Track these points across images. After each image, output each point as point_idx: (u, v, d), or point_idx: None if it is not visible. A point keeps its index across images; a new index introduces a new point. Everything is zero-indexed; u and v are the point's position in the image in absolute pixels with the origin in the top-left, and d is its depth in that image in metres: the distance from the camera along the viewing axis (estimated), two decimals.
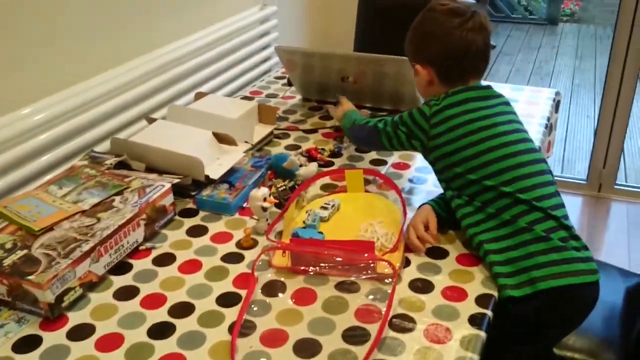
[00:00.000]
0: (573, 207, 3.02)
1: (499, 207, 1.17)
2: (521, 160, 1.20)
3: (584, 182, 3.11)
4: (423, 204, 1.30)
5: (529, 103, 1.94)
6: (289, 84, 2.06)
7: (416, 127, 1.28)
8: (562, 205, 1.20)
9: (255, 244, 1.26)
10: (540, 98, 1.98)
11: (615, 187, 3.09)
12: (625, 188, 3.11)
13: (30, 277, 1.04)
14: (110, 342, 1.01)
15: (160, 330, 1.03)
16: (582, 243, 1.16)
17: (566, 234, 1.15)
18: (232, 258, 1.22)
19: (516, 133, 1.24)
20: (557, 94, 2.01)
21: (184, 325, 1.04)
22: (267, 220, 1.29)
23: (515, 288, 1.10)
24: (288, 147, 1.67)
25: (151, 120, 1.60)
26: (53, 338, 1.02)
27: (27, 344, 1.02)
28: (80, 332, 1.04)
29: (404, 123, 1.31)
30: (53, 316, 1.05)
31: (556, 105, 1.99)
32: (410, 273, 1.16)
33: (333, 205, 1.35)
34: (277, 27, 2.46)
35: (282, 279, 1.15)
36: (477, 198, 1.20)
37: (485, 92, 1.29)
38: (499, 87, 1.39)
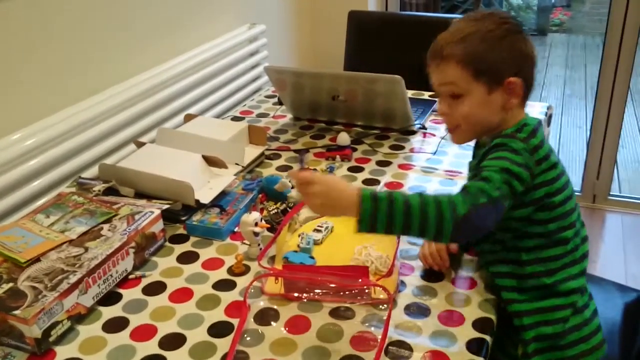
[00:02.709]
0: None
1: (555, 271, 1.11)
2: (575, 206, 1.15)
3: (578, 193, 3.10)
4: None
5: None
6: (280, 103, 2.04)
7: (526, 169, 1.03)
8: None
9: (247, 270, 1.23)
10: (532, 113, 1.96)
11: (610, 197, 3.08)
12: (620, 199, 3.10)
13: (15, 312, 1.01)
14: None
15: None
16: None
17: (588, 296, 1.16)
18: (224, 285, 1.19)
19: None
20: (549, 107, 2.00)
21: (175, 358, 1.02)
22: (259, 245, 1.27)
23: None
24: (279, 169, 1.65)
25: (140, 145, 1.58)
26: None
27: None
28: None
29: (513, 173, 1.01)
30: (40, 352, 1.03)
31: (548, 119, 1.98)
32: (406, 297, 1.14)
33: (326, 228, 1.33)
34: (266, 45, 2.45)
35: (275, 307, 1.12)
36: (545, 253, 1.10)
37: None
38: None
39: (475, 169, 1.08)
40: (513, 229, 1.10)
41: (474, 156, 1.21)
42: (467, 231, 0.97)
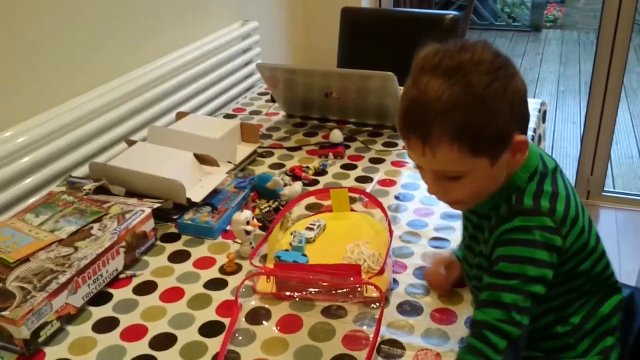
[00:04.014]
0: None
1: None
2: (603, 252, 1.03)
3: None
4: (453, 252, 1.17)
5: None
6: (272, 100, 2.03)
7: (551, 267, 0.89)
8: None
9: (239, 269, 1.22)
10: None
11: (604, 193, 3.08)
12: (614, 195, 3.10)
13: (4, 313, 1.00)
14: None
15: None
16: None
17: None
18: (215, 285, 1.18)
19: None
20: (542, 104, 2.00)
21: (165, 358, 1.01)
22: (250, 244, 1.26)
23: None
24: (272, 166, 1.64)
25: (131, 143, 1.57)
26: None
27: None
28: None
29: (538, 279, 0.87)
30: (29, 353, 1.02)
31: (542, 116, 1.98)
32: (399, 295, 1.13)
33: (319, 226, 1.32)
34: (259, 42, 2.44)
35: (267, 306, 1.11)
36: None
37: None
38: None
39: (479, 253, 0.97)
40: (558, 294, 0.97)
41: (465, 217, 1.06)
42: None
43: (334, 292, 1.12)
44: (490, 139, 0.84)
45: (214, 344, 1.03)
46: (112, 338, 1.06)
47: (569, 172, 3.16)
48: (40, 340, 1.03)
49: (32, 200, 1.44)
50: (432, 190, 0.93)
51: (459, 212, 1.10)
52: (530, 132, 1.79)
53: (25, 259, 1.13)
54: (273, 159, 1.68)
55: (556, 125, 4.27)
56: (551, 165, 0.95)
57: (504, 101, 0.83)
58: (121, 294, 1.17)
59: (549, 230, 0.87)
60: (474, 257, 1.01)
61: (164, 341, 1.04)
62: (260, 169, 1.62)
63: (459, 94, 0.81)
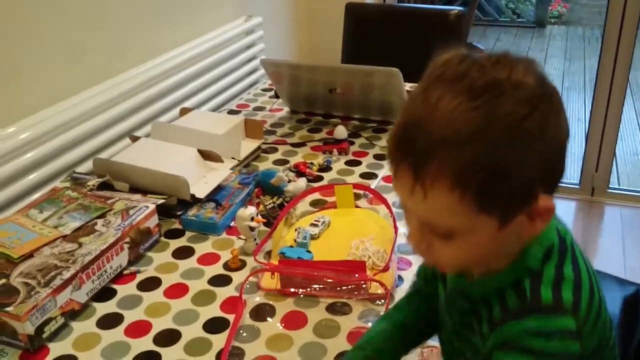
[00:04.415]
0: (566, 212, 3.00)
1: None
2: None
3: (577, 186, 3.09)
4: None
5: None
6: (276, 96, 2.02)
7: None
8: None
9: (243, 265, 1.22)
10: None
11: (609, 191, 3.07)
12: (618, 192, 3.09)
13: (8, 309, 1.00)
14: None
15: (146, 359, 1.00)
16: None
17: None
18: (220, 281, 1.18)
19: None
20: None
21: (170, 354, 1.01)
22: (255, 240, 1.26)
23: None
24: (276, 162, 1.63)
25: (135, 139, 1.57)
26: None
27: None
28: None
29: None
30: (33, 348, 1.01)
31: None
32: (403, 292, 1.12)
33: (323, 222, 1.32)
34: (262, 38, 2.43)
35: (271, 302, 1.11)
36: None
37: None
38: None
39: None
40: None
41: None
42: None
43: (338, 288, 1.11)
44: (507, 193, 0.62)
45: (219, 340, 1.02)
46: (117, 334, 1.06)
47: (574, 169, 3.15)
48: (44, 336, 1.03)
49: (36, 196, 1.44)
50: (413, 240, 0.71)
51: None
52: None
53: (30, 255, 1.13)
54: (277, 155, 1.68)
55: None
56: (567, 235, 0.73)
57: (539, 144, 0.61)
58: (125, 290, 1.17)
59: (569, 334, 0.66)
60: (459, 341, 0.80)
61: (168, 337, 1.04)
62: (264, 165, 1.62)
63: (480, 122, 0.59)
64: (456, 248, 0.66)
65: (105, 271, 1.16)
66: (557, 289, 0.67)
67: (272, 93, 2.10)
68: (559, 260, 0.69)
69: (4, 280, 1.07)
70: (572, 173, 3.17)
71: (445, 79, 0.63)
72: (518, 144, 0.60)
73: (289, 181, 1.45)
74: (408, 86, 1.71)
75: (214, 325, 1.06)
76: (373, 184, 1.50)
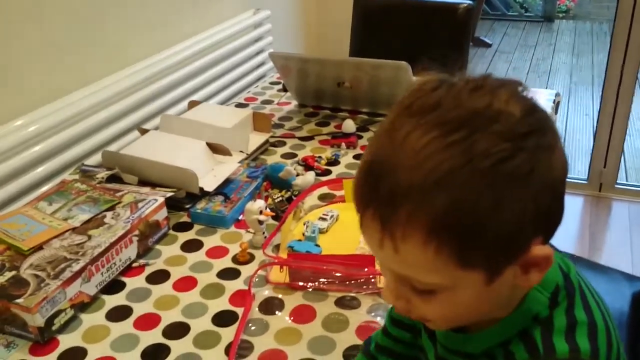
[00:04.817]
0: (574, 207, 2.99)
1: None
2: None
3: (584, 182, 3.08)
4: None
5: None
6: (284, 89, 2.02)
7: None
8: None
9: (251, 258, 1.22)
10: (539, 100, 1.94)
11: (616, 186, 3.05)
12: (626, 187, 3.07)
13: (18, 300, 1.00)
14: None
15: (155, 353, 1.00)
16: None
17: None
18: (228, 274, 1.18)
19: None
20: (557, 95, 1.98)
21: (178, 347, 1.01)
22: (263, 233, 1.26)
23: None
24: (284, 156, 1.63)
25: (143, 131, 1.56)
26: None
27: None
28: (72, 356, 1.00)
29: None
30: (43, 340, 1.02)
31: (556, 107, 1.96)
32: None
33: (332, 216, 1.31)
34: (271, 31, 2.43)
35: (280, 296, 1.11)
36: None
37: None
38: None
39: None
40: None
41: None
42: None
43: (347, 282, 1.11)
44: (491, 245, 0.53)
45: (228, 334, 1.03)
46: (126, 326, 1.06)
47: (582, 164, 3.14)
48: (54, 328, 1.03)
49: (45, 188, 1.44)
50: (389, 295, 0.62)
51: None
52: None
53: (39, 247, 1.13)
54: (285, 149, 1.67)
55: (569, 118, 4.24)
56: (571, 270, 0.65)
57: (525, 190, 0.52)
58: (134, 282, 1.17)
59: None
60: None
61: (177, 330, 1.04)
62: (272, 159, 1.61)
63: (453, 164, 0.50)
64: (439, 305, 0.57)
65: (115, 264, 1.16)
66: (572, 337, 0.59)
67: (280, 86, 2.10)
68: (568, 304, 0.61)
69: (13, 273, 1.07)
70: (580, 169, 3.16)
71: (414, 110, 0.54)
72: (500, 189, 0.51)
73: (297, 175, 1.45)
74: (416, 80, 1.70)
75: (223, 319, 1.06)
76: None
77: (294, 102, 1.98)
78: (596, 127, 3.01)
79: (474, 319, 0.62)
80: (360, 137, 1.71)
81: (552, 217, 0.57)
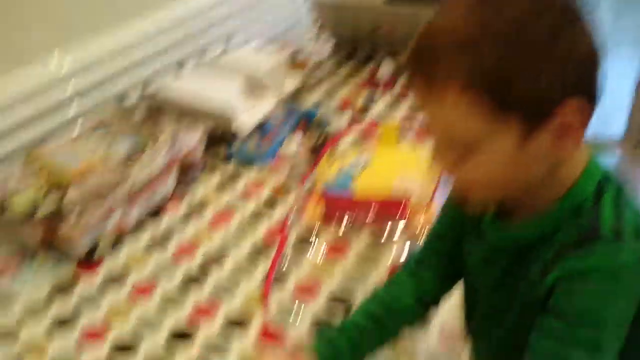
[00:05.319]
0: (609, 164, 2.94)
1: None
2: None
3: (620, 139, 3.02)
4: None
5: None
6: (321, 33, 2.00)
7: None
8: None
9: (287, 195, 1.24)
10: None
11: None
12: None
13: (63, 230, 1.04)
14: (143, 290, 1.02)
15: (193, 280, 1.03)
16: None
17: None
18: (264, 210, 1.20)
19: None
20: None
21: (216, 275, 1.04)
22: (299, 172, 1.27)
23: None
24: (320, 98, 1.63)
25: (182, 70, 1.57)
26: (88, 285, 1.04)
27: (63, 289, 1.03)
28: (114, 281, 1.04)
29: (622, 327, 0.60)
30: (87, 265, 1.06)
31: None
32: None
33: (366, 159, 1.32)
34: None
35: (315, 231, 1.13)
36: None
37: None
38: None
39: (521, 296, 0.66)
40: None
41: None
42: None
43: (380, 222, 1.13)
44: (522, 96, 0.58)
45: (263, 265, 1.06)
46: (165, 255, 1.09)
47: (618, 123, 3.07)
48: (96, 254, 1.07)
49: (86, 123, 1.46)
50: (436, 159, 0.65)
51: None
52: None
53: (81, 180, 1.16)
54: (320, 92, 1.67)
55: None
56: (612, 175, 0.66)
57: (550, 51, 0.58)
58: (172, 216, 1.20)
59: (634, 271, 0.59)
60: (501, 296, 0.70)
61: (215, 259, 1.08)
62: (308, 101, 1.62)
63: (485, 23, 0.58)
64: (478, 165, 0.61)
65: (154, 197, 1.19)
66: (620, 217, 0.61)
67: (316, 30, 2.08)
68: (617, 193, 0.63)
69: (58, 203, 1.10)
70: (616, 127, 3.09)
71: None
72: (525, 47, 0.57)
73: (333, 117, 1.45)
74: None
75: (260, 251, 1.09)
76: (418, 121, 1.49)
77: (330, 46, 1.96)
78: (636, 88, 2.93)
79: (514, 188, 0.64)
80: (396, 81, 1.69)
81: (587, 83, 0.61)
